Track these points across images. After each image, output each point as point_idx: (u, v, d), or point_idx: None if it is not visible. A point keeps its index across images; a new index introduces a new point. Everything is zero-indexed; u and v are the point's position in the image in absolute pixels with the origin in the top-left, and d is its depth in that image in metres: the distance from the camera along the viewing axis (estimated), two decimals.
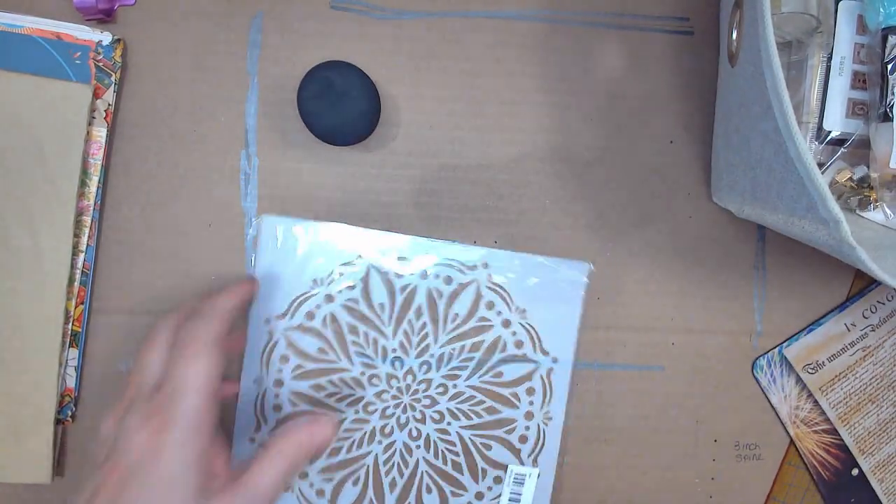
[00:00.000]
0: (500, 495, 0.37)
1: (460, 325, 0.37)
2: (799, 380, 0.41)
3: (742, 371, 0.41)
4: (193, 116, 0.38)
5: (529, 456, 0.37)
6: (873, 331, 0.42)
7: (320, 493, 0.36)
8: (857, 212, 0.36)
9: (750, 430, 0.42)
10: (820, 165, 0.36)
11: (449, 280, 0.37)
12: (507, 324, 0.37)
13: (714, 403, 0.41)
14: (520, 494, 0.37)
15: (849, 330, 0.42)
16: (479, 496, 0.37)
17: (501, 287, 0.37)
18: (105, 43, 0.37)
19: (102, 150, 0.37)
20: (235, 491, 0.28)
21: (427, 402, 0.37)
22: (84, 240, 0.37)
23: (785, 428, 0.42)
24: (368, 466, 0.36)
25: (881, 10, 0.33)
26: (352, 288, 0.37)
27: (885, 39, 0.33)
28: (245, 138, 0.38)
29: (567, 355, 0.37)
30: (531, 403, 0.37)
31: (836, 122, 0.35)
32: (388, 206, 0.39)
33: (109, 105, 0.37)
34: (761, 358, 0.41)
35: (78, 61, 0.36)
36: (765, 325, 0.41)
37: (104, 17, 0.37)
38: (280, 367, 0.36)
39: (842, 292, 0.42)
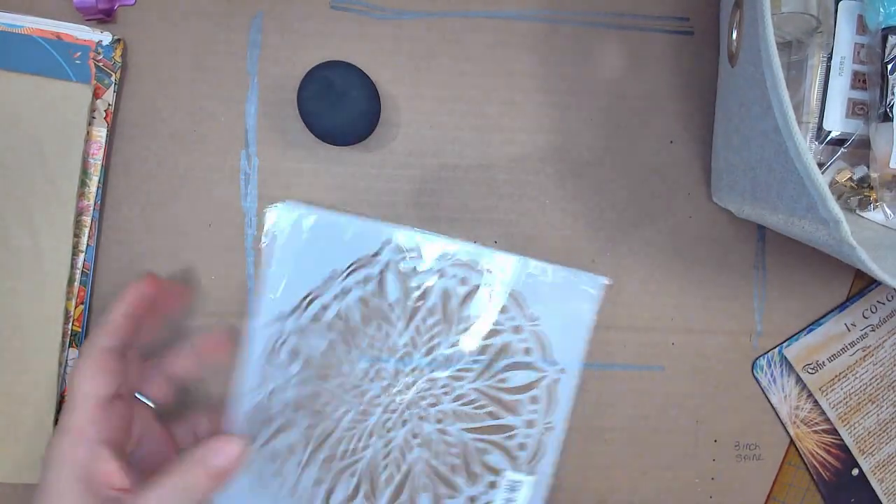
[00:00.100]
0: (492, 501, 0.37)
1: (469, 328, 0.37)
2: (799, 380, 0.41)
3: (742, 371, 0.41)
4: (193, 116, 0.38)
5: (526, 464, 0.37)
6: (873, 331, 0.42)
7: (319, 481, 0.36)
8: (857, 212, 0.36)
9: (750, 430, 0.42)
10: (820, 165, 0.36)
11: (465, 281, 0.36)
12: (517, 330, 0.37)
13: (714, 403, 0.41)
14: (513, 501, 0.37)
15: (849, 330, 0.42)
16: (472, 500, 0.37)
17: (516, 293, 0.37)
18: (105, 43, 0.37)
19: (102, 150, 0.37)
20: None
21: (431, 400, 0.37)
22: (84, 240, 0.37)
23: (785, 428, 0.42)
24: (367, 460, 0.36)
25: (881, 10, 0.33)
26: (366, 283, 0.36)
27: (885, 39, 0.33)
28: (245, 138, 0.38)
29: (574, 367, 0.37)
30: (534, 412, 0.37)
31: (836, 122, 0.35)
32: (388, 207, 0.39)
33: (109, 105, 0.37)
34: (761, 358, 0.41)
35: (78, 61, 0.36)
36: (765, 325, 0.41)
37: (104, 17, 0.37)
38: (281, 373, 0.35)
39: (842, 292, 0.42)
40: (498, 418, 0.37)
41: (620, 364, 0.41)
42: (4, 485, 0.37)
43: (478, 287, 0.36)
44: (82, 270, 0.37)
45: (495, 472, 0.37)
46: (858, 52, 0.35)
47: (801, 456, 0.42)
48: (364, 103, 0.35)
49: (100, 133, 0.37)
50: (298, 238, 0.35)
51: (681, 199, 0.41)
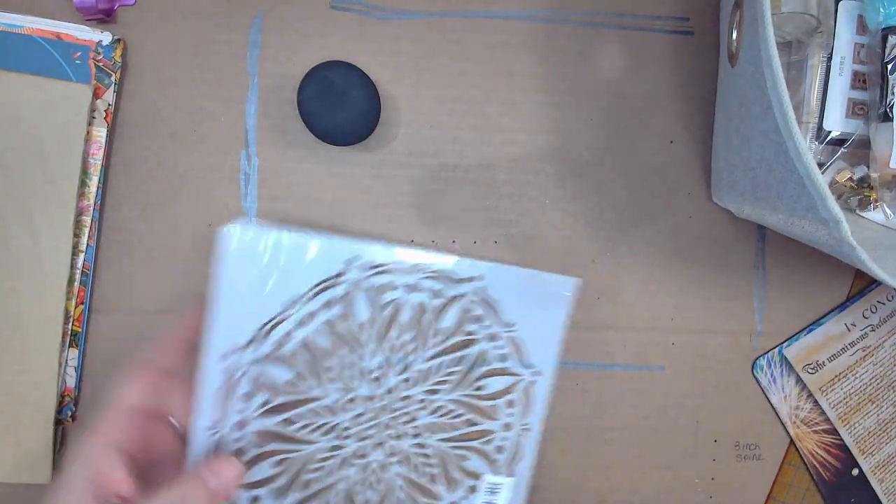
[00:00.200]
0: None
1: (446, 340, 0.36)
2: (799, 380, 0.41)
3: (742, 371, 0.41)
4: (193, 116, 0.38)
5: (505, 466, 0.37)
6: (873, 331, 0.42)
7: None
8: (857, 212, 0.36)
9: (750, 430, 0.42)
10: (820, 165, 0.36)
11: (438, 293, 0.35)
12: (493, 337, 0.36)
13: (714, 403, 0.41)
14: None
15: (849, 330, 0.42)
16: None
17: (491, 300, 0.36)
18: (105, 43, 0.37)
19: (102, 150, 0.37)
20: None
21: (405, 418, 0.35)
22: (84, 240, 0.37)
23: (785, 428, 0.42)
24: (343, 488, 0.35)
25: (881, 10, 0.33)
26: (332, 305, 0.33)
27: (885, 39, 0.33)
28: (245, 138, 0.38)
29: (549, 368, 0.37)
30: (511, 415, 0.37)
31: (836, 122, 0.35)
32: (388, 207, 0.39)
33: (109, 105, 0.37)
34: (761, 358, 0.41)
35: (78, 61, 0.36)
36: (765, 325, 0.41)
37: (104, 17, 0.37)
38: (243, 406, 0.32)
39: (842, 292, 0.42)
40: (476, 424, 0.37)
41: (620, 364, 0.41)
42: (4, 485, 0.37)
43: (451, 298, 0.35)
44: (82, 270, 0.37)
45: (475, 476, 0.37)
46: (858, 52, 0.35)
47: (801, 456, 0.42)
48: (364, 103, 0.35)
49: (100, 133, 0.37)
50: (255, 261, 0.31)
51: (681, 199, 0.41)
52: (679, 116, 0.40)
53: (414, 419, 0.36)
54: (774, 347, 0.41)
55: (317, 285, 0.32)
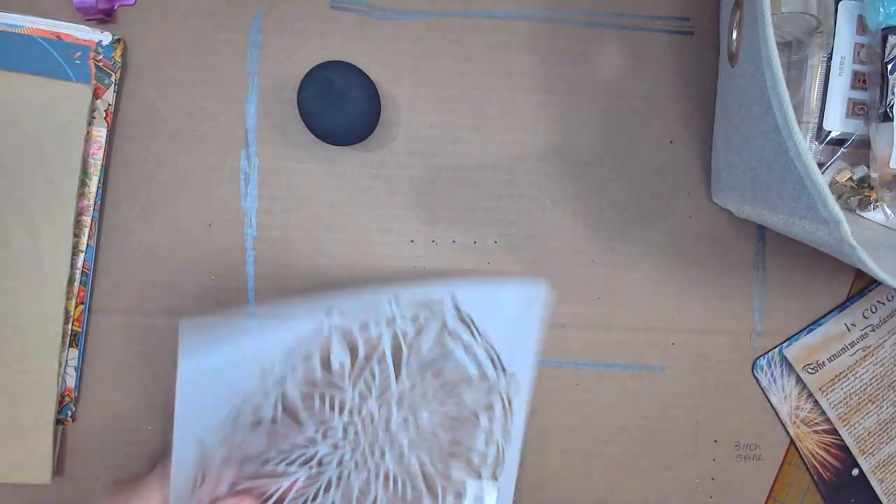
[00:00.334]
0: None
1: (423, 360, 0.35)
2: (799, 380, 0.41)
3: (742, 371, 0.41)
4: (193, 116, 0.38)
5: (489, 472, 0.37)
6: (873, 331, 0.42)
7: None
8: (857, 212, 0.36)
9: (750, 430, 0.42)
10: (820, 165, 0.36)
11: (415, 318, 0.35)
12: (469, 350, 0.36)
13: (714, 403, 0.41)
14: None
15: (849, 330, 0.42)
16: None
17: (464, 314, 0.36)
18: (105, 43, 0.37)
19: (102, 150, 0.37)
20: None
21: (387, 441, 0.35)
22: (84, 240, 0.37)
23: (785, 428, 0.42)
24: None
25: (881, 10, 0.33)
26: (308, 358, 0.33)
27: (885, 39, 0.33)
28: (245, 138, 0.38)
29: (526, 371, 0.37)
30: (491, 421, 0.37)
31: (836, 122, 0.35)
32: (387, 207, 0.39)
33: (109, 105, 0.37)
34: (761, 358, 0.41)
35: (78, 61, 0.36)
36: (765, 325, 0.41)
37: (104, 17, 0.37)
38: (223, 471, 0.32)
39: (842, 292, 0.42)
40: (457, 435, 0.36)
41: (620, 364, 0.41)
42: (4, 485, 0.37)
43: (427, 319, 0.35)
44: (82, 270, 0.37)
45: (460, 485, 0.37)
46: (858, 52, 0.35)
47: (801, 456, 0.42)
48: (364, 103, 0.35)
49: (100, 133, 0.37)
50: (215, 359, 0.31)
51: (681, 199, 0.41)
52: (679, 116, 0.40)
53: (396, 440, 0.36)
54: (774, 347, 0.41)
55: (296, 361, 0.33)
